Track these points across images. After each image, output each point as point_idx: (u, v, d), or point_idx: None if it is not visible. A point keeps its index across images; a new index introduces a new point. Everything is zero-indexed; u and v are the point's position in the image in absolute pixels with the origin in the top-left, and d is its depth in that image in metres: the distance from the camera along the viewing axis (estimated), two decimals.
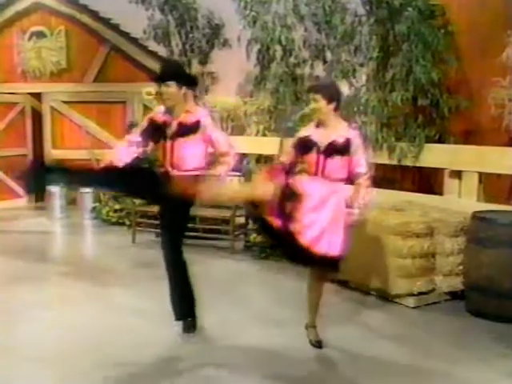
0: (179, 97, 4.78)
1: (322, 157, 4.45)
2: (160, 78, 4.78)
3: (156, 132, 4.85)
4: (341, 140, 4.46)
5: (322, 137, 4.50)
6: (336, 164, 4.45)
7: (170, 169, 4.78)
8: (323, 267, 4.50)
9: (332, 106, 4.48)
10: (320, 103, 4.47)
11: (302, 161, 4.59)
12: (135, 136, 4.97)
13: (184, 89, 4.80)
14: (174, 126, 4.79)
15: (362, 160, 4.52)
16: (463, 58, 6.88)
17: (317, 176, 4.46)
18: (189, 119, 4.78)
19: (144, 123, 5.01)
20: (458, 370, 4.32)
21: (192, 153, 4.77)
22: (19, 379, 4.20)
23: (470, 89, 6.89)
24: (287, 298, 5.81)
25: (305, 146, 4.55)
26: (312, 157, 4.48)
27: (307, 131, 4.63)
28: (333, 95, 4.51)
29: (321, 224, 4.31)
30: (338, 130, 4.50)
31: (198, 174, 4.75)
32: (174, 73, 4.86)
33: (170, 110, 4.83)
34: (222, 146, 4.83)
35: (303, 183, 4.44)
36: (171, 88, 4.73)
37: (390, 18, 6.94)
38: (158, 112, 4.92)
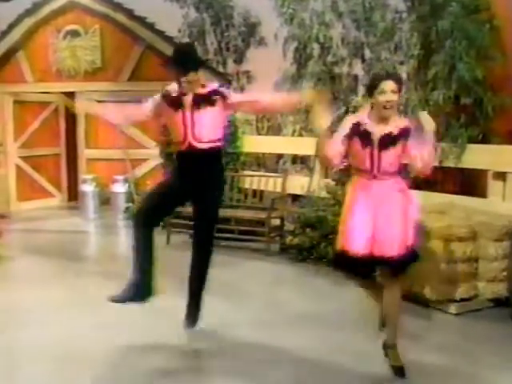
0: (200, 80, 4.82)
1: (376, 151, 4.08)
2: (184, 69, 4.77)
3: (172, 105, 4.87)
4: (396, 131, 4.10)
5: (378, 129, 4.12)
6: (391, 156, 4.11)
7: (192, 141, 4.76)
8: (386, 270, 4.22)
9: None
10: (397, 96, 4.08)
11: (351, 155, 4.22)
12: (146, 107, 5.14)
13: (201, 72, 4.85)
14: (189, 98, 4.77)
15: (419, 149, 4.08)
16: (509, 54, 6.76)
17: (372, 173, 4.12)
18: (204, 91, 4.80)
19: (156, 97, 5.07)
20: (502, 379, 4.24)
21: (212, 123, 4.78)
22: (39, 381, 4.25)
23: None
24: (325, 302, 5.77)
25: (362, 136, 4.12)
26: (366, 151, 4.11)
27: (361, 118, 4.20)
28: (401, 87, 4.18)
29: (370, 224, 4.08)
30: (395, 122, 4.14)
31: (219, 145, 4.86)
32: (195, 60, 4.94)
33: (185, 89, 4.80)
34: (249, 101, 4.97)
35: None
36: (196, 76, 4.77)
37: (432, 14, 6.87)
38: (171, 89, 4.94)
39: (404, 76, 7.62)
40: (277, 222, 8.23)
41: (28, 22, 11.27)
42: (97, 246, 9.36)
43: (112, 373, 4.36)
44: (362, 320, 5.16)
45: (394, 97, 4.05)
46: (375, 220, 4.09)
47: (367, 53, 8.02)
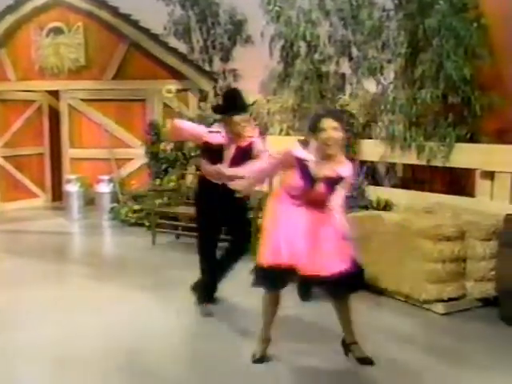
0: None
1: (313, 188, 4.21)
2: (239, 110, 5.37)
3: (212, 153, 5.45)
4: (335, 175, 4.22)
5: (320, 168, 4.20)
6: (326, 196, 4.24)
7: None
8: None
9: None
10: (339, 133, 4.15)
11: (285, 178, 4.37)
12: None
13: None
14: (232, 150, 5.42)
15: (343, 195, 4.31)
16: (497, 53, 6.80)
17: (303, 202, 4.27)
18: (245, 143, 5.42)
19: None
20: (490, 379, 4.28)
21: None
22: (37, 381, 4.27)
23: (504, 85, 6.81)
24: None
25: (303, 172, 4.21)
26: (303, 185, 4.21)
27: (306, 156, 4.21)
28: (343, 124, 4.27)
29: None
30: (337, 163, 4.24)
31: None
32: (245, 103, 5.60)
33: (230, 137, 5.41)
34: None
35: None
36: (246, 117, 5.46)
37: (420, 12, 6.90)
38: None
39: (391, 75, 7.67)
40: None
41: (10, 19, 11.24)
42: (82, 247, 9.34)
43: (93, 378, 4.35)
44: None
45: (335, 134, 4.11)
46: (302, 240, 4.19)
47: (354, 51, 8.05)
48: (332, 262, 4.17)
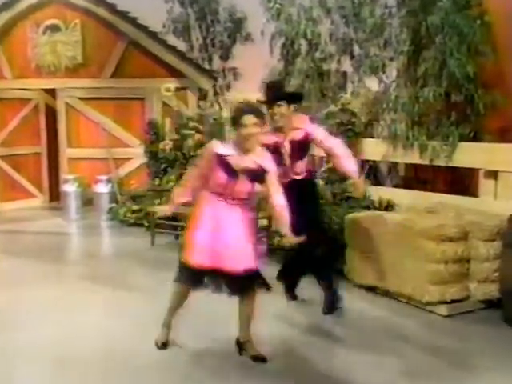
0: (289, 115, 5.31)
1: (233, 181, 4.44)
2: (272, 99, 5.29)
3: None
4: (255, 166, 4.45)
5: (239, 160, 4.44)
6: (246, 187, 4.47)
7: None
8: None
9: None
10: (259, 128, 4.43)
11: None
12: None
13: (292, 106, 5.35)
14: (287, 146, 5.36)
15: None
16: (500, 51, 6.78)
17: (224, 198, 4.50)
18: (298, 135, 5.36)
19: None
20: (493, 381, 4.25)
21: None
22: (37, 382, 4.26)
23: (508, 83, 6.79)
24: (311, 307, 5.76)
25: (223, 166, 4.45)
26: (225, 179, 4.43)
27: (225, 150, 4.48)
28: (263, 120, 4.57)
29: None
30: (256, 155, 4.49)
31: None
32: (283, 92, 5.50)
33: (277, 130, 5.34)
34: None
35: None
36: (282, 108, 5.27)
37: (423, 9, 6.87)
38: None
39: (394, 73, 7.65)
40: (264, 222, 8.21)
41: (5, 16, 11.19)
42: (80, 248, 9.31)
43: (105, 374, 4.35)
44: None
45: (255, 130, 4.39)
46: (219, 237, 4.43)
47: (356, 49, 8.03)
48: (243, 259, 4.42)
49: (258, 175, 4.46)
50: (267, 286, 4.60)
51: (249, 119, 4.36)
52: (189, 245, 4.52)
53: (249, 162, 4.43)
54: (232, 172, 4.41)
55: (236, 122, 4.42)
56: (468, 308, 5.63)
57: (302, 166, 5.46)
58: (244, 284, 4.48)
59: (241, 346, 4.69)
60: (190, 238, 4.53)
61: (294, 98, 5.52)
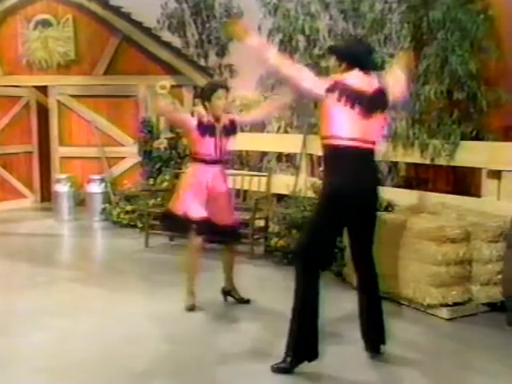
0: None
1: (218, 140, 5.71)
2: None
3: None
4: (228, 124, 5.75)
5: (216, 124, 5.69)
6: (226, 144, 5.81)
7: None
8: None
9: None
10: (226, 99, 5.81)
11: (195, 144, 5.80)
12: None
13: None
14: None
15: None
16: (504, 47, 6.77)
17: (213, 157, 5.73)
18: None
19: None
20: None
21: None
22: None
23: (511, 80, 6.79)
24: None
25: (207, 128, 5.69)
26: (211, 140, 5.68)
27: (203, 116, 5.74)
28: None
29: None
30: (225, 118, 5.76)
31: None
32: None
33: None
34: None
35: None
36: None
37: (424, 4, 6.88)
38: None
39: None
40: (261, 223, 8.21)
41: None
42: (72, 249, 9.30)
43: (99, 378, 4.35)
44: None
45: (225, 100, 5.72)
46: (210, 196, 5.66)
47: None
48: (226, 215, 5.75)
49: (231, 130, 5.75)
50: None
51: (221, 92, 5.62)
52: (178, 201, 5.74)
53: (222, 123, 5.70)
54: (210, 130, 5.63)
55: (210, 94, 5.61)
56: (470, 311, 5.63)
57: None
58: (229, 236, 5.90)
59: (227, 293, 5.98)
60: (181, 197, 5.73)
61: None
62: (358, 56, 4.41)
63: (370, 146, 4.35)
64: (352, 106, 4.20)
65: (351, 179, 4.27)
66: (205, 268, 6.03)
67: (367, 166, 4.43)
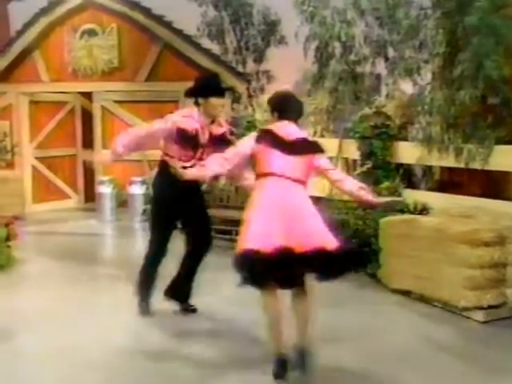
0: None
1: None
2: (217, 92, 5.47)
3: None
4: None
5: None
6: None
7: None
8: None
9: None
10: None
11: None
12: None
13: None
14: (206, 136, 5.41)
15: None
16: None
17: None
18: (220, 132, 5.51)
19: None
20: None
21: None
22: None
23: None
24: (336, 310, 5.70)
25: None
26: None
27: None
28: None
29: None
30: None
31: None
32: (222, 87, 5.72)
33: None
34: None
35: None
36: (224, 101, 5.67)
37: (459, 10, 6.77)
38: None
39: (429, 75, 7.55)
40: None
41: (44, 22, 11.31)
42: (113, 249, 9.36)
43: (124, 378, 4.35)
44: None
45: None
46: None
47: (391, 51, 7.98)
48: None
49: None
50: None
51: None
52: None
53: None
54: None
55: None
56: (505, 314, 5.50)
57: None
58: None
59: (300, 357, 4.03)
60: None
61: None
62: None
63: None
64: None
65: None
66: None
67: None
